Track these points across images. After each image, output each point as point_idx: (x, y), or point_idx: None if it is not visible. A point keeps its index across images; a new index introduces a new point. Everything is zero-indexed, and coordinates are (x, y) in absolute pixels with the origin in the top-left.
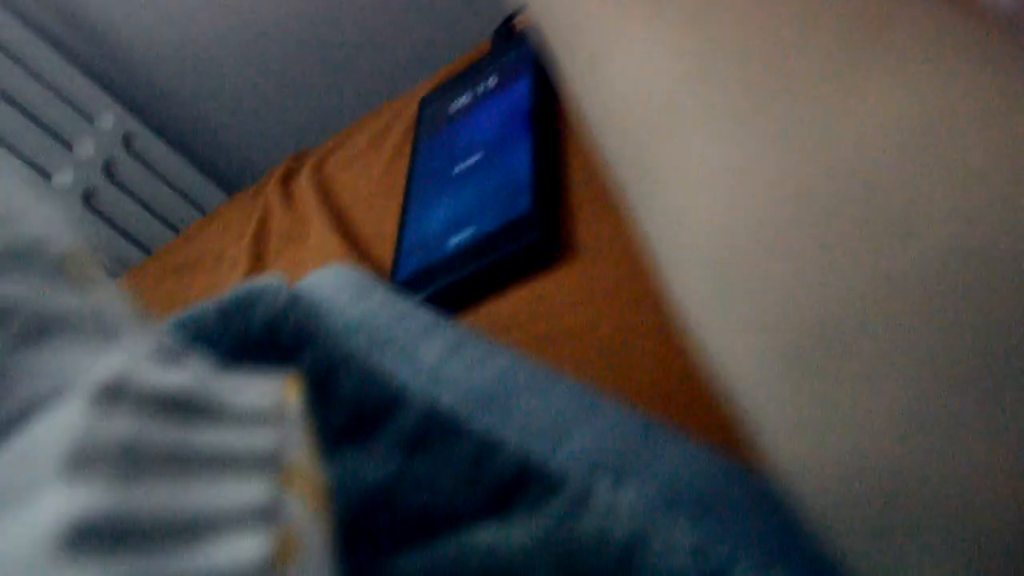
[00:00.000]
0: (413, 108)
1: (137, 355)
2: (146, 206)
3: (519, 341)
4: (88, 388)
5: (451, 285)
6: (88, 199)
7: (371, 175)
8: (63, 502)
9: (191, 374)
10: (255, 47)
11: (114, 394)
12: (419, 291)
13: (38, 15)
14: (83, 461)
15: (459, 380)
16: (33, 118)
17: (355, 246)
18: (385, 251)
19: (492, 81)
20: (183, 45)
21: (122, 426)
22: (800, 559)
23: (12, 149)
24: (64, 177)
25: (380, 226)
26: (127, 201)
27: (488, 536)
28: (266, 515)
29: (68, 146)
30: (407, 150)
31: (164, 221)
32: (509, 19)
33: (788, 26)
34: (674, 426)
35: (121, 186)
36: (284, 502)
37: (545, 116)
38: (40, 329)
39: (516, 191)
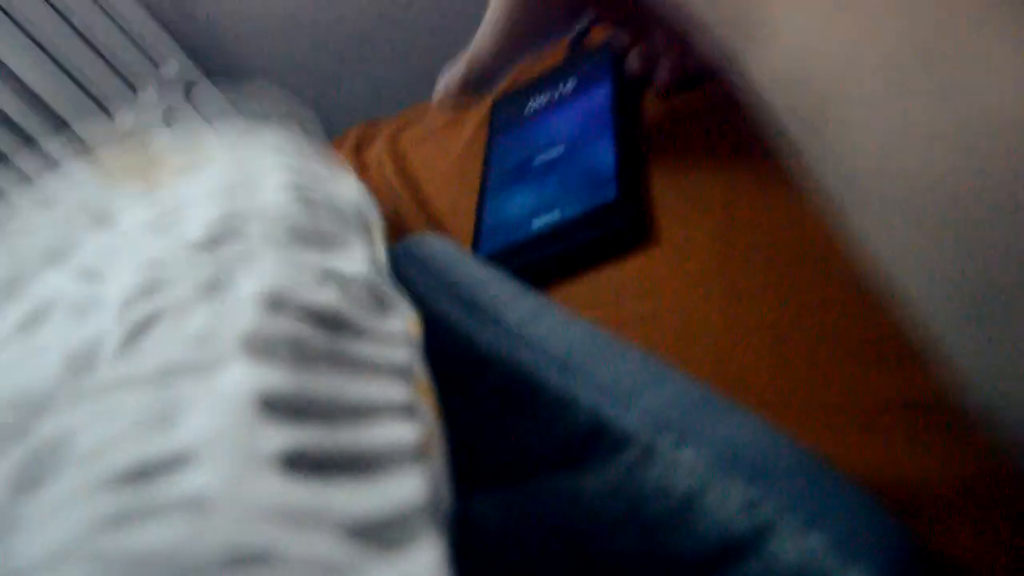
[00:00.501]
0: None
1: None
2: None
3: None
4: (252, 292)
5: (534, 264)
6: None
7: (448, 154)
8: (250, 374)
9: (339, 295)
10: (328, 15)
11: (276, 301)
12: (502, 267)
13: None
14: (260, 346)
15: (539, 343)
16: (104, 57)
17: (433, 220)
18: (462, 229)
19: (570, 86)
20: (258, 5)
21: (286, 325)
22: (837, 523)
23: (81, 85)
24: (126, 119)
25: (457, 203)
26: None
27: (563, 483)
28: (410, 412)
29: (133, 89)
30: (483, 137)
31: None
32: (585, 30)
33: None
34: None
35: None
36: (420, 406)
37: (627, 115)
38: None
39: (602, 180)
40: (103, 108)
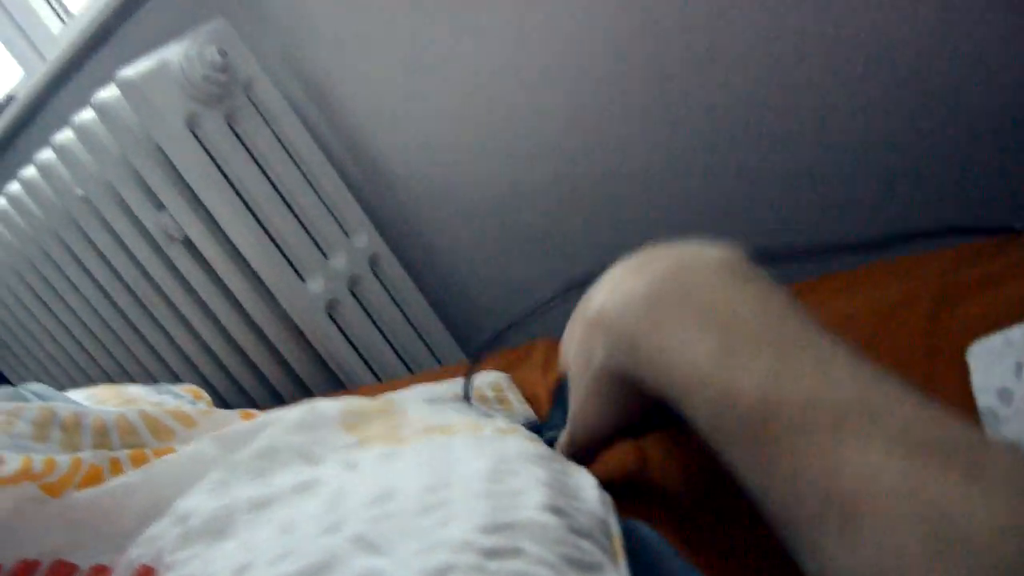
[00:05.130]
0: None
1: None
2: (381, 331)
3: None
4: None
5: None
6: (332, 308)
7: None
8: None
9: None
10: (513, 210)
11: None
12: None
13: (331, 139)
14: None
15: None
16: (303, 223)
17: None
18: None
19: None
20: (447, 191)
21: None
22: None
23: (280, 247)
24: (316, 283)
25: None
26: (364, 320)
27: None
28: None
29: (325, 255)
30: None
31: (396, 352)
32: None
33: None
34: None
35: (361, 304)
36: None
37: None
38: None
39: None
40: (296, 270)
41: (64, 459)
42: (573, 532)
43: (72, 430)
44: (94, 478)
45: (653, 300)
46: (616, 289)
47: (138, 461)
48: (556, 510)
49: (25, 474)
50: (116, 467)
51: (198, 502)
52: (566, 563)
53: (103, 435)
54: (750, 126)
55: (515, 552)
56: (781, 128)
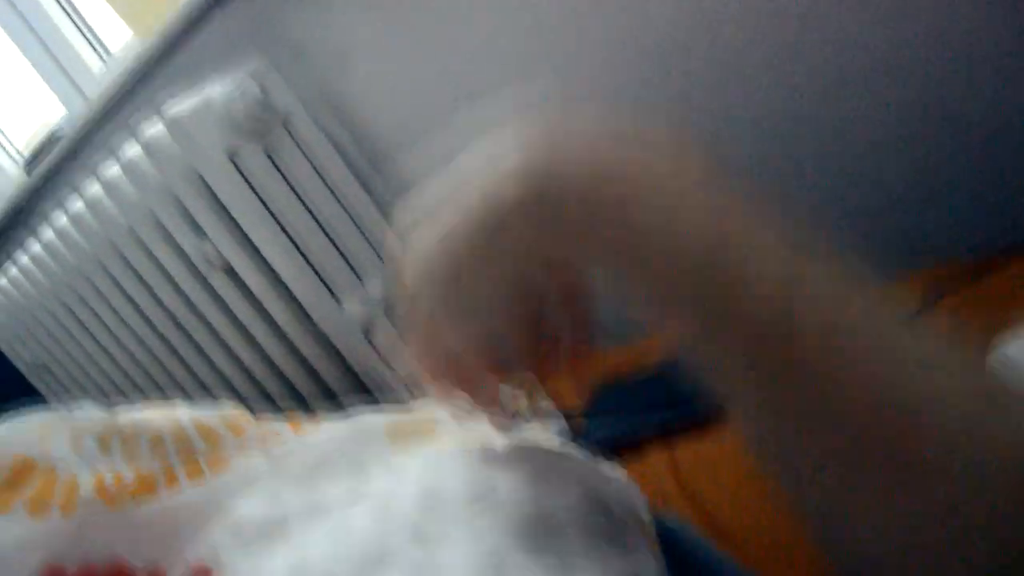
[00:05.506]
0: None
1: None
2: None
3: None
4: None
5: None
6: (367, 331)
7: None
8: None
9: None
10: None
11: None
12: None
13: (364, 168)
14: None
15: None
16: (340, 249)
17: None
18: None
19: None
20: None
21: None
22: None
23: (318, 272)
24: (353, 306)
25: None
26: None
27: None
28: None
29: (360, 280)
30: None
31: None
32: None
33: None
34: None
35: (396, 327)
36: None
37: None
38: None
39: None
40: (333, 295)
41: (130, 474)
42: (610, 518)
43: (131, 439)
44: (149, 487)
45: (621, 144)
46: (551, 141)
47: (193, 475)
48: (594, 499)
49: (98, 493)
50: (171, 477)
51: (253, 506)
52: (606, 543)
53: (159, 443)
54: (775, 144)
55: (559, 533)
56: (808, 144)
